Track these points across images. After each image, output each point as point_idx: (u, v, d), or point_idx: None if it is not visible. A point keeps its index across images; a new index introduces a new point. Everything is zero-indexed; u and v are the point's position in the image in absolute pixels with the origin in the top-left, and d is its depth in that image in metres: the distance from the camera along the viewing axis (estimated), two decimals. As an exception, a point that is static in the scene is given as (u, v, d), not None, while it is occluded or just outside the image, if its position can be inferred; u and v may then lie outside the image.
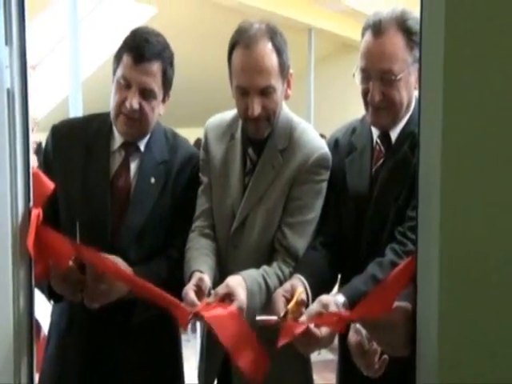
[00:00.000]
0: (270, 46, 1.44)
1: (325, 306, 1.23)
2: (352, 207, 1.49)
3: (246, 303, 1.32)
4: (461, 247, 0.88)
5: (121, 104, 1.49)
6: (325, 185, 1.53)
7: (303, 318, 1.23)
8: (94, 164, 1.55)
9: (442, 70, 0.86)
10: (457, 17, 0.86)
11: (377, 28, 1.38)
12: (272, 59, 1.44)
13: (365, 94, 1.44)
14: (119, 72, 1.49)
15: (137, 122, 1.51)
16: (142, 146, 1.58)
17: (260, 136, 1.53)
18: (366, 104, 1.45)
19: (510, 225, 0.87)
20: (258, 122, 1.48)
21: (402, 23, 1.38)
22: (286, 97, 1.54)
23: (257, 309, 1.37)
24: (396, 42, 1.37)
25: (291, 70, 1.52)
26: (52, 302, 1.54)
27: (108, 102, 1.56)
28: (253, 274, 1.41)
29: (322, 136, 1.67)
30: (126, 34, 1.55)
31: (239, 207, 1.53)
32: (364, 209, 1.46)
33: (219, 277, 1.47)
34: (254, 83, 1.44)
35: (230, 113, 1.64)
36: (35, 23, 4.87)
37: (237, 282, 1.34)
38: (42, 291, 1.47)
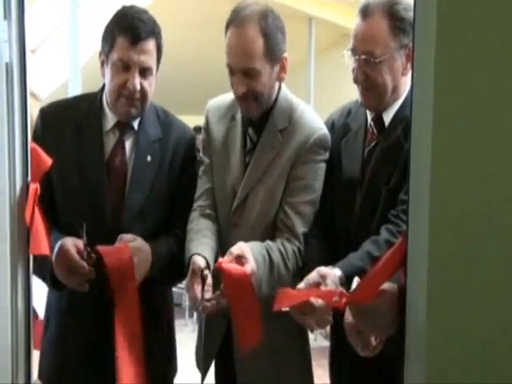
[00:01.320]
0: (257, 28, 1.44)
1: (323, 276, 1.26)
2: (344, 189, 1.50)
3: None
4: (450, 230, 0.89)
5: (121, 86, 1.49)
6: (324, 165, 1.54)
7: (301, 285, 1.26)
8: (87, 145, 1.54)
9: (434, 56, 0.87)
10: (449, 6, 0.86)
11: (364, 11, 1.41)
12: (257, 42, 1.44)
13: (353, 73, 1.46)
14: (115, 55, 1.48)
15: (137, 102, 1.51)
16: (135, 124, 1.58)
17: (250, 115, 1.55)
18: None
19: (499, 206, 0.89)
20: (245, 100, 1.50)
21: (388, 8, 1.40)
22: (280, 79, 1.54)
23: (261, 280, 1.39)
24: (380, 25, 1.39)
25: (285, 54, 1.52)
26: (54, 290, 1.50)
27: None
28: (257, 246, 1.44)
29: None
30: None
31: (240, 186, 1.54)
32: (356, 190, 1.48)
33: (220, 255, 1.48)
34: (237, 64, 1.46)
35: (231, 94, 1.64)
36: (35, 7, 4.84)
37: (247, 249, 1.38)
38: (44, 279, 1.46)
